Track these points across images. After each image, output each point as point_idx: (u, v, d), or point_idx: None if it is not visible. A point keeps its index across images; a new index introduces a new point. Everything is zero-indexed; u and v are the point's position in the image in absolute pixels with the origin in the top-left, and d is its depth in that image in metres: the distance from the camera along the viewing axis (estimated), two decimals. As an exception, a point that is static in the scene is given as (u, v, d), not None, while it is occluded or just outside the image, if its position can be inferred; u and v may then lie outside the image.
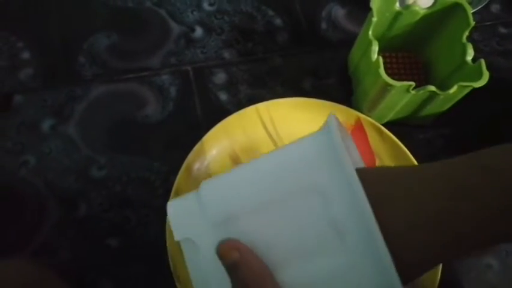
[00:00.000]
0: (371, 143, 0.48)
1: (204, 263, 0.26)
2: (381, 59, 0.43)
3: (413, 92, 0.43)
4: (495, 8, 0.61)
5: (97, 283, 0.43)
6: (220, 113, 0.48)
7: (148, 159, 0.48)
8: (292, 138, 0.47)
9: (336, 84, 0.54)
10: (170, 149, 0.49)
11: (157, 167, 0.48)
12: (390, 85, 0.43)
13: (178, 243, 0.27)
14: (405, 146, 0.46)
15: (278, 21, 0.57)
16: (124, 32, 0.55)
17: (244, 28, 0.56)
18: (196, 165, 0.45)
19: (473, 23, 0.45)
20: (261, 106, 0.48)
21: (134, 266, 0.44)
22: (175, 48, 0.54)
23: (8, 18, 0.55)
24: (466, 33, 0.46)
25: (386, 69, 0.44)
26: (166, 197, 0.43)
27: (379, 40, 0.46)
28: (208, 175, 0.46)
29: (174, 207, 0.28)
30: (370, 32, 0.46)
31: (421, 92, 0.43)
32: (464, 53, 0.45)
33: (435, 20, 0.49)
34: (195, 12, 0.57)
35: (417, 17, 0.49)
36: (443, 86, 0.44)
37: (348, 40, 0.53)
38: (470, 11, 0.46)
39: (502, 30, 0.59)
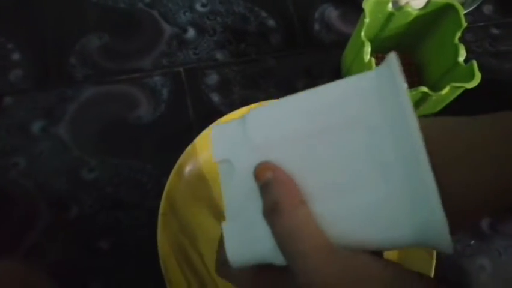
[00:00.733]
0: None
1: (238, 185, 0.26)
2: (373, 60, 0.43)
3: (405, 93, 0.43)
4: (487, 9, 0.61)
5: (88, 286, 0.43)
6: (212, 114, 0.48)
7: (139, 161, 0.48)
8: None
9: (329, 86, 0.53)
10: (162, 151, 0.48)
11: (149, 169, 0.47)
12: (383, 86, 0.42)
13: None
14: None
15: (271, 22, 0.57)
16: (115, 33, 0.54)
17: (237, 29, 0.56)
18: (188, 167, 0.45)
19: (465, 24, 0.45)
20: (254, 107, 0.48)
21: (125, 269, 0.44)
22: (167, 50, 0.54)
23: (-2, 19, 0.54)
24: (458, 34, 0.46)
25: (378, 70, 0.44)
26: (157, 200, 0.42)
27: (372, 41, 0.46)
28: (200, 177, 0.45)
29: (217, 130, 0.28)
30: (362, 33, 0.46)
31: (413, 93, 0.43)
32: (456, 54, 0.45)
33: (428, 21, 0.49)
34: (187, 13, 0.57)
35: (410, 18, 0.49)
36: (436, 87, 0.44)
37: (341, 41, 0.53)
38: (462, 12, 0.46)
39: (494, 31, 0.60)
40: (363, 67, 0.45)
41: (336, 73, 0.54)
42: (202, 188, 0.45)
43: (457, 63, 0.45)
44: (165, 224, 0.42)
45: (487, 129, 0.22)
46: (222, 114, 0.47)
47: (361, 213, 0.22)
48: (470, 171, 0.22)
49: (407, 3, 0.55)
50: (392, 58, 0.22)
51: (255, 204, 0.25)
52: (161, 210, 0.42)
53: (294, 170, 0.24)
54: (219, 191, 0.46)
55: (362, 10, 0.46)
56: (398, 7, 0.48)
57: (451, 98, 0.45)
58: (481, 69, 0.43)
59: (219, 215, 0.45)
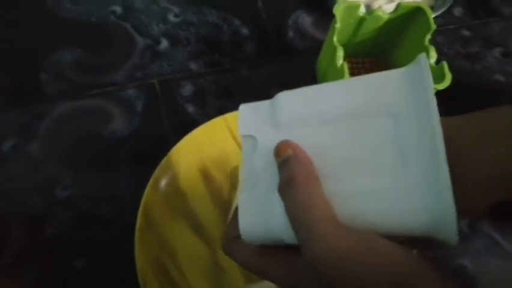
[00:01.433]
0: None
1: (258, 160, 0.27)
2: (345, 65, 0.43)
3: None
4: (458, 11, 0.62)
5: (65, 307, 0.42)
6: (188, 125, 0.47)
7: (115, 176, 0.47)
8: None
9: (305, 92, 0.53)
10: (138, 165, 0.47)
11: (125, 183, 0.47)
12: (356, 91, 0.42)
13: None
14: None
15: (245, 30, 0.57)
16: (87, 47, 0.54)
17: (211, 39, 0.56)
18: (164, 181, 0.44)
19: (434, 27, 0.46)
20: (230, 116, 0.47)
21: (103, 286, 0.43)
22: (141, 62, 0.53)
23: (-34, 37, 0.53)
24: (428, 36, 0.46)
25: (352, 74, 0.44)
26: (135, 214, 0.41)
27: (345, 46, 0.46)
28: (177, 190, 0.45)
29: (246, 107, 0.29)
30: (335, 39, 0.46)
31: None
32: (427, 56, 0.46)
33: (399, 24, 0.49)
34: (160, 25, 0.56)
35: (381, 22, 0.49)
36: (409, 90, 0.44)
37: (316, 47, 0.54)
38: (431, 15, 0.46)
39: (466, 33, 0.60)
40: (337, 72, 0.45)
41: (311, 79, 0.54)
42: (180, 200, 0.45)
43: (428, 65, 0.46)
44: (142, 239, 0.41)
45: (499, 121, 0.23)
46: (197, 125, 0.46)
47: (377, 195, 0.23)
48: (491, 160, 0.22)
49: (379, 7, 0.56)
50: (423, 58, 0.24)
51: (271, 181, 0.26)
52: (138, 225, 0.41)
53: (314, 150, 0.25)
54: (196, 203, 0.45)
55: (334, 16, 0.46)
56: (370, 11, 0.48)
57: (425, 99, 0.45)
58: (453, 71, 0.43)
59: (196, 227, 0.44)
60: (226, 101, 0.52)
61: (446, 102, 0.46)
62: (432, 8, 0.54)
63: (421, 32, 0.47)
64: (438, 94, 0.43)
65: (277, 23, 0.58)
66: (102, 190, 0.46)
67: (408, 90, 0.24)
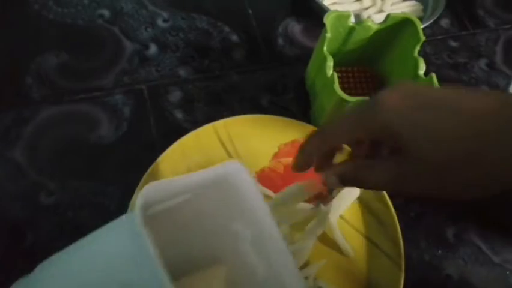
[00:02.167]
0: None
1: None
2: (336, 75, 0.43)
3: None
4: (445, 22, 0.63)
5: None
6: (176, 132, 0.47)
7: (101, 183, 0.46)
8: (251, 156, 0.47)
9: (295, 100, 0.53)
10: (124, 172, 0.47)
11: (111, 190, 0.46)
12: (346, 100, 0.43)
13: None
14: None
15: (234, 37, 0.57)
16: (74, 51, 0.53)
17: (200, 45, 0.56)
18: (152, 188, 0.43)
19: (423, 38, 0.46)
20: (218, 124, 0.47)
21: (88, 297, 0.42)
22: (129, 67, 0.53)
23: None
24: (418, 47, 0.47)
25: (342, 83, 0.44)
26: (120, 222, 0.41)
27: (334, 55, 0.46)
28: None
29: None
30: (325, 48, 0.46)
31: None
32: (416, 67, 0.46)
33: (388, 35, 0.50)
34: (149, 29, 0.56)
35: (371, 32, 0.49)
36: (398, 100, 0.44)
37: (305, 55, 0.54)
38: (420, 26, 0.47)
39: (452, 43, 0.61)
40: (326, 81, 0.45)
41: (300, 87, 0.54)
42: (167, 208, 0.44)
43: (417, 76, 0.46)
44: (129, 248, 0.40)
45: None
46: (186, 132, 0.46)
47: None
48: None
49: (369, 17, 0.56)
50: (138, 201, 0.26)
51: None
52: (124, 233, 0.40)
53: None
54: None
55: (323, 24, 0.46)
56: (359, 21, 0.49)
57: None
58: (440, 81, 0.44)
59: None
60: (215, 107, 0.52)
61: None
62: (421, 19, 0.54)
63: (410, 42, 0.47)
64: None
65: (267, 30, 0.58)
66: (88, 197, 0.45)
67: (129, 254, 0.25)
